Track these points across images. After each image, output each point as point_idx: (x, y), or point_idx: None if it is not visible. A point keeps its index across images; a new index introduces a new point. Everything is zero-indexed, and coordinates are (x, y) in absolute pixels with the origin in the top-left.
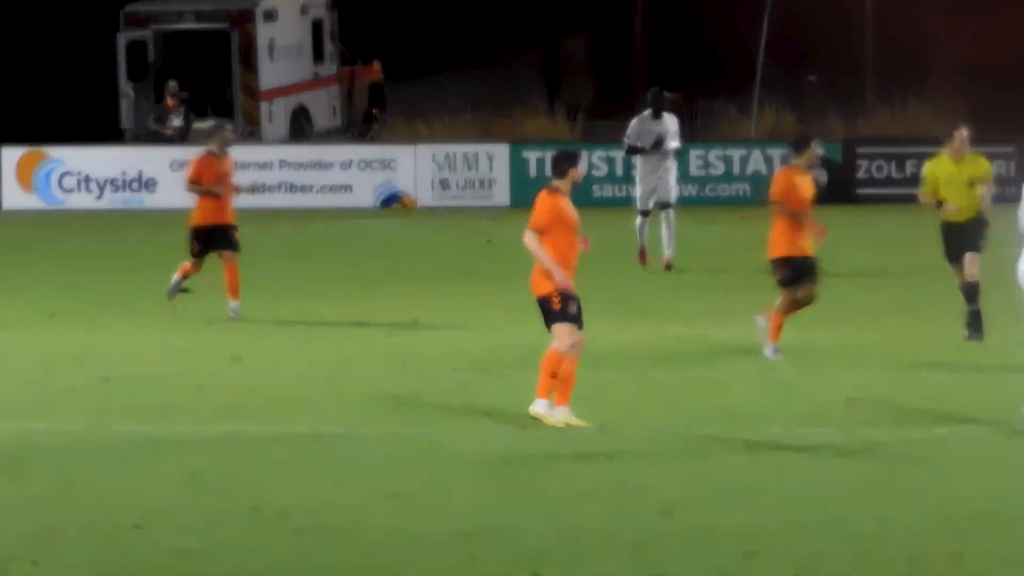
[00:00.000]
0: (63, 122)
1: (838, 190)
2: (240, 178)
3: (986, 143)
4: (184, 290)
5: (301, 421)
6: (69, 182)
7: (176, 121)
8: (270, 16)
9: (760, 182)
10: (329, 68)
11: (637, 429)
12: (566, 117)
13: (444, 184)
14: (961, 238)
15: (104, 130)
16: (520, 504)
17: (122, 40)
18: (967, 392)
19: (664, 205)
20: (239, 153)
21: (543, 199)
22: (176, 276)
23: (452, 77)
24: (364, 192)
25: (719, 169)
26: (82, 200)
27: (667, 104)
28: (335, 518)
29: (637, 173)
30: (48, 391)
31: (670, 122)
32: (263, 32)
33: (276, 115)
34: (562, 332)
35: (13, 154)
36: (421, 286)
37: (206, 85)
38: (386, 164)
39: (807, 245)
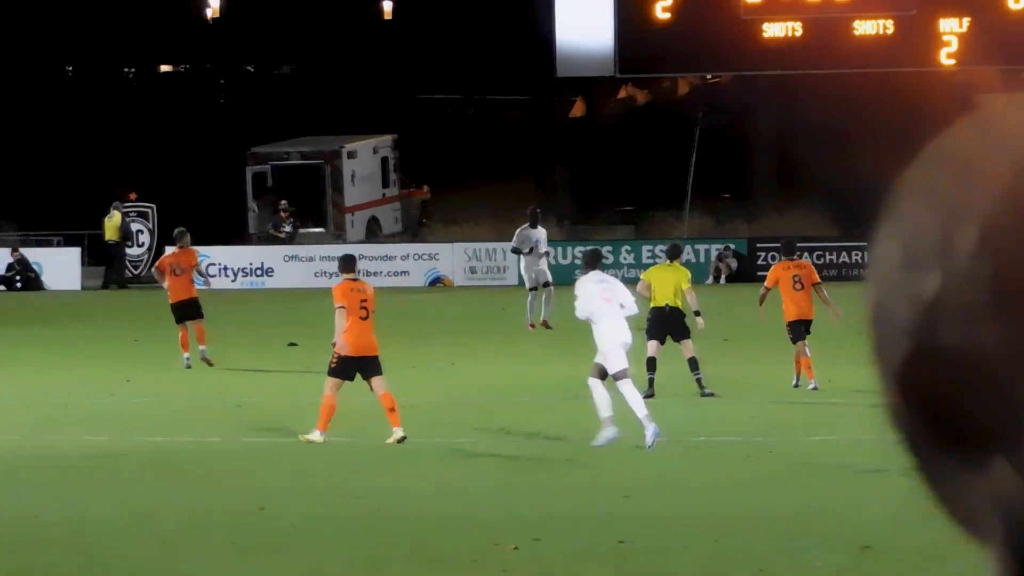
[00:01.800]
0: (210, 227)
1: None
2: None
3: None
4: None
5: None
6: (213, 270)
7: (287, 228)
8: (352, 155)
9: (691, 268)
10: (392, 190)
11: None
12: (556, 222)
13: (472, 270)
14: None
15: (237, 233)
16: (524, 493)
17: (249, 172)
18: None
19: (546, 284)
20: (331, 250)
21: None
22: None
23: (477, 193)
24: (416, 275)
25: (661, 258)
26: (222, 283)
27: (539, 218)
28: (392, 499)
29: (522, 266)
30: (196, 413)
31: (542, 231)
32: (347, 166)
33: (356, 223)
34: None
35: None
36: (457, 339)
37: (307, 202)
38: (431, 256)
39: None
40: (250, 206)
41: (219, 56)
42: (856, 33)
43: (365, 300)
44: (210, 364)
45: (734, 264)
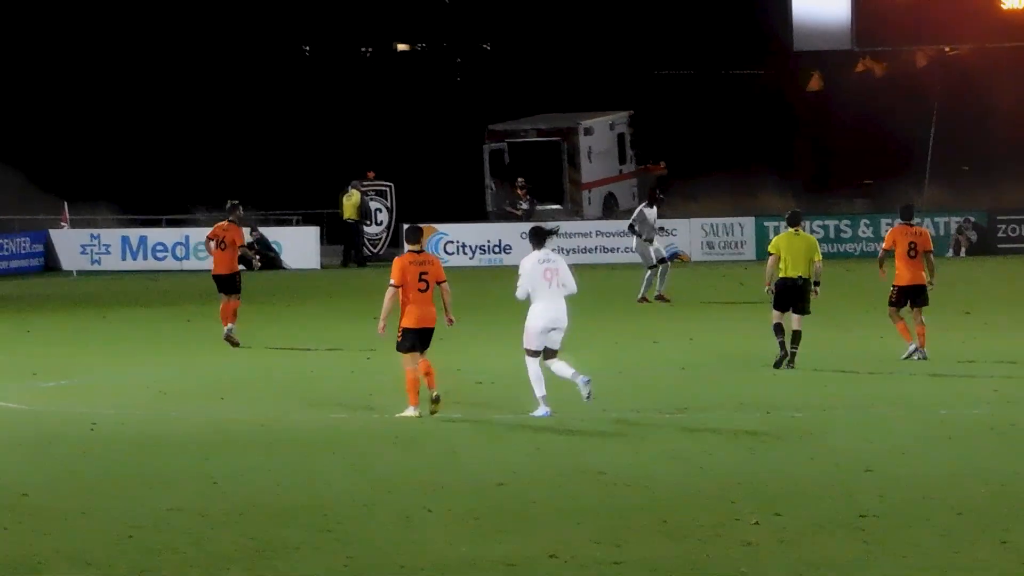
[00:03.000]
0: (447, 205)
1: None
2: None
3: None
4: None
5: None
6: (451, 247)
7: (524, 205)
8: (588, 131)
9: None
10: (629, 166)
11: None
12: (792, 196)
13: (709, 245)
14: None
15: (474, 211)
16: (764, 467)
17: (486, 149)
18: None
19: (662, 260)
20: (569, 227)
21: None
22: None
23: (713, 169)
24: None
25: None
26: (460, 260)
27: (659, 199)
28: (632, 474)
29: (636, 244)
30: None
31: (654, 211)
32: (583, 142)
33: (593, 200)
34: None
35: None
36: (696, 310)
37: (544, 179)
38: (669, 232)
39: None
40: (487, 184)
41: (456, 34)
42: None
43: (425, 273)
44: (235, 344)
45: (974, 236)
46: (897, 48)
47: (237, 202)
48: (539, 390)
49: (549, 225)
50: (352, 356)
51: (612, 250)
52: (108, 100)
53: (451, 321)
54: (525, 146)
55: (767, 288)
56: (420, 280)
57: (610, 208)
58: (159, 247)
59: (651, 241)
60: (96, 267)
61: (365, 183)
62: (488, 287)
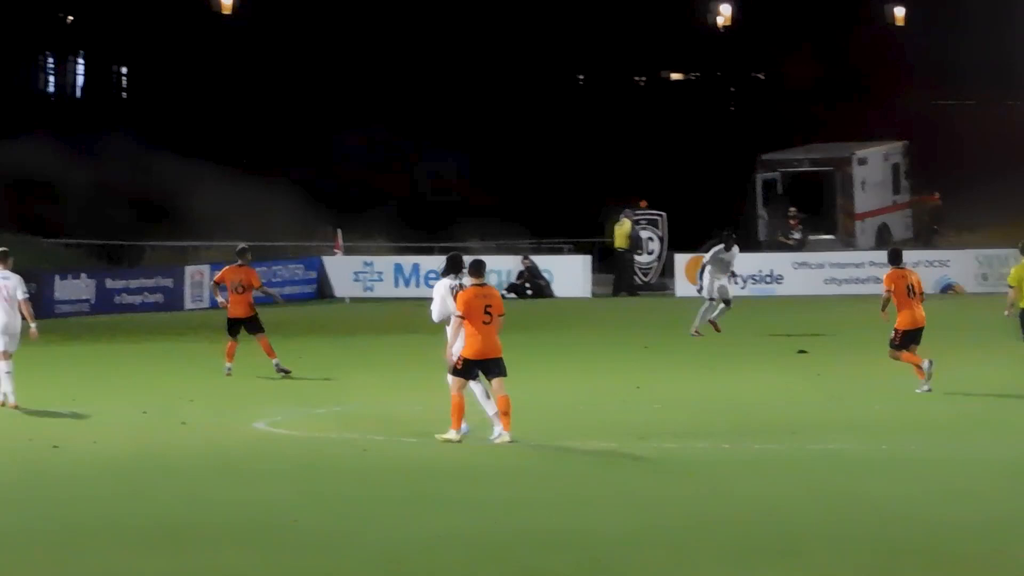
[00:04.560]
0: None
1: None
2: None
3: None
4: None
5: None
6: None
7: (796, 235)
8: (862, 161)
9: None
10: (903, 196)
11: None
12: None
13: (984, 277)
14: None
15: (746, 240)
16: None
17: (759, 179)
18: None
19: (726, 301)
20: (841, 257)
21: None
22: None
23: (989, 198)
24: (927, 283)
25: None
26: (732, 289)
27: (734, 240)
28: (904, 507)
29: (707, 279)
30: (704, 420)
31: (735, 252)
32: (857, 172)
33: (866, 230)
34: None
35: (682, 259)
36: (969, 346)
37: (816, 209)
38: (943, 263)
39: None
40: (759, 213)
41: (729, 63)
42: None
43: (489, 306)
44: (286, 373)
45: None
46: None
47: (246, 246)
48: (490, 408)
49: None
50: (622, 385)
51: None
52: (380, 129)
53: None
54: (798, 175)
55: (1006, 313)
56: (485, 313)
57: (883, 239)
58: (431, 275)
59: (721, 279)
60: (368, 294)
61: (637, 212)
62: (760, 317)
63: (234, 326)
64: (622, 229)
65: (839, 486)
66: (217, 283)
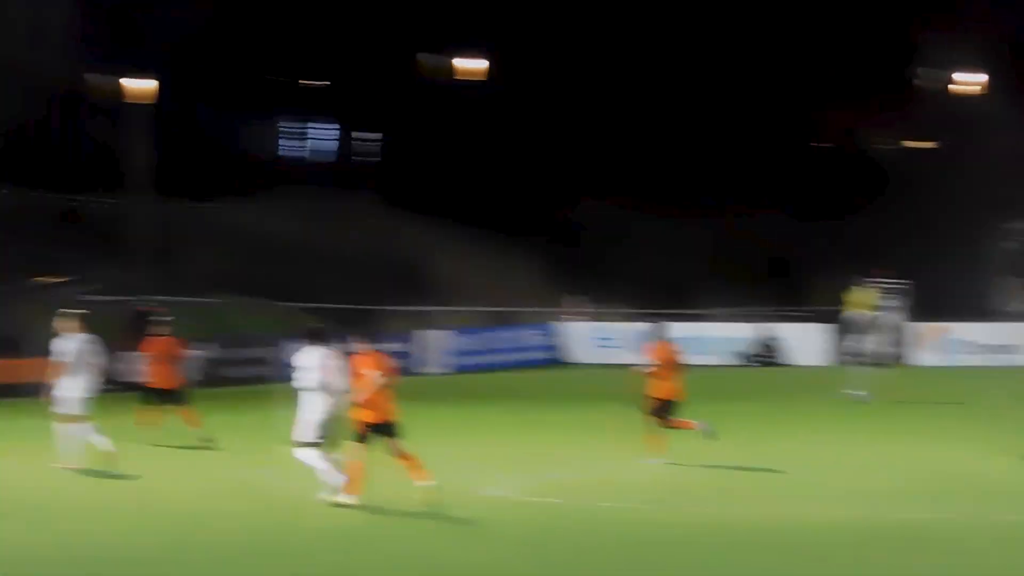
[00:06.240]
0: (959, 302)
1: None
2: None
3: None
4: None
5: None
6: (959, 346)
7: None
8: None
9: None
10: None
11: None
12: None
13: None
14: None
15: (984, 309)
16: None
17: (1003, 246)
18: None
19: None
20: None
21: None
22: None
23: None
24: None
25: None
26: (966, 359)
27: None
28: None
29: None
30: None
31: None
32: None
33: None
34: None
35: (921, 327)
36: None
37: None
38: None
39: None
40: (1001, 281)
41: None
42: None
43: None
44: (209, 443)
45: None
46: None
47: (170, 317)
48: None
49: None
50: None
51: None
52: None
53: None
54: None
55: None
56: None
57: None
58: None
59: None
60: (607, 359)
61: (876, 280)
62: (1000, 385)
63: (158, 396)
64: (862, 297)
65: None
66: (142, 351)
